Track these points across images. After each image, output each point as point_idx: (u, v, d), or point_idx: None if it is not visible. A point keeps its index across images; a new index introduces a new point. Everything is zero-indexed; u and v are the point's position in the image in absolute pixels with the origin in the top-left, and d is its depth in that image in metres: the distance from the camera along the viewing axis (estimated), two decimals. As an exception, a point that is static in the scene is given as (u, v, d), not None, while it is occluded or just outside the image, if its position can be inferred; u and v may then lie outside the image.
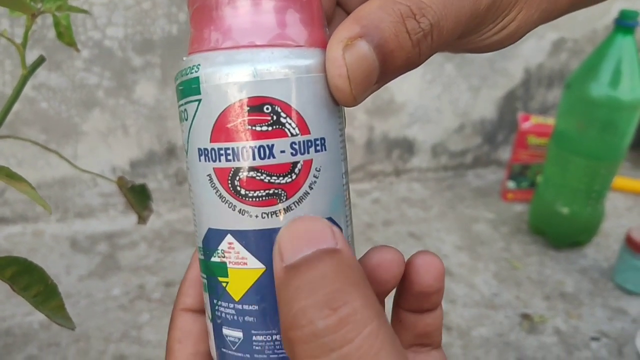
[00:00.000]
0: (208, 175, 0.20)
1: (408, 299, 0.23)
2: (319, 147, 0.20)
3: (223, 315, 0.21)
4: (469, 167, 1.13)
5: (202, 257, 0.22)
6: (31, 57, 0.34)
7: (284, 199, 0.20)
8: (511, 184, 1.00)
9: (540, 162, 0.94)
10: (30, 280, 0.30)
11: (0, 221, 0.86)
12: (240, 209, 0.20)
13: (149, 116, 0.85)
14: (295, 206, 0.20)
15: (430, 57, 0.21)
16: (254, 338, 0.20)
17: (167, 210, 0.92)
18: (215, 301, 0.21)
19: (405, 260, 0.23)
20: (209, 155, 0.20)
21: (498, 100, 1.07)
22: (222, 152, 0.19)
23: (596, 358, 0.65)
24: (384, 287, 0.22)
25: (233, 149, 0.19)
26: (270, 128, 0.19)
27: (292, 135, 0.19)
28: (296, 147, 0.19)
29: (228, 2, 0.20)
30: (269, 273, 0.20)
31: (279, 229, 0.20)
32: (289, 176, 0.19)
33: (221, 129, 0.19)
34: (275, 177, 0.19)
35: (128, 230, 0.87)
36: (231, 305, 0.21)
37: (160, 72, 0.83)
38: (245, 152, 0.19)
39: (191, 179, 0.21)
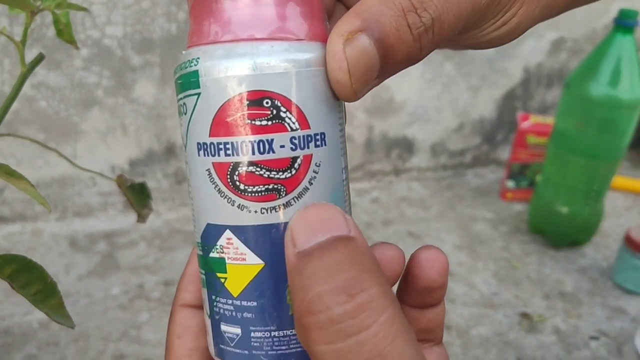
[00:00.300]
0: (207, 170, 0.20)
1: (412, 295, 0.23)
2: (319, 142, 0.20)
3: (221, 311, 0.21)
4: (468, 166, 1.13)
5: (201, 253, 0.21)
6: (30, 55, 0.34)
7: (283, 194, 0.19)
8: (510, 184, 1.00)
9: (539, 161, 0.94)
10: (30, 278, 0.30)
11: (-1, 220, 0.86)
12: (240, 204, 0.20)
13: (148, 115, 0.85)
14: (295, 201, 0.20)
15: (430, 56, 0.21)
16: (252, 334, 0.20)
17: (166, 210, 0.92)
18: (213, 297, 0.21)
19: (405, 258, 0.23)
20: (208, 149, 0.20)
21: (497, 100, 1.07)
22: (222, 146, 0.19)
23: (595, 357, 0.65)
24: None
25: (232, 143, 0.19)
26: (269, 122, 0.19)
27: (292, 129, 0.19)
28: (296, 141, 0.19)
29: None
30: (268, 269, 0.20)
31: (278, 224, 0.19)
32: (289, 171, 0.19)
33: (220, 123, 0.19)
34: (274, 172, 0.19)
35: (127, 230, 0.87)
36: (230, 302, 0.21)
37: (159, 71, 0.82)
38: (244, 146, 0.19)
39: (190, 174, 0.21)
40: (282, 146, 0.19)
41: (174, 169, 0.91)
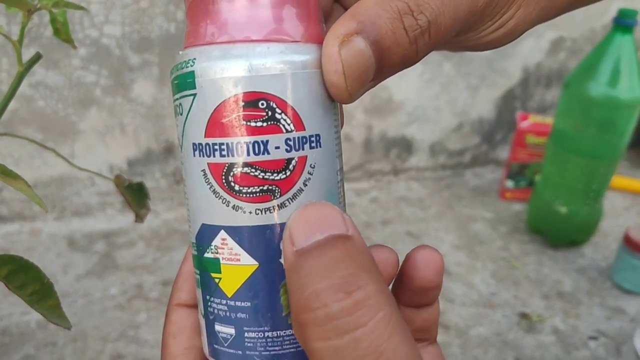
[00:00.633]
0: (202, 170, 0.20)
1: (407, 294, 0.23)
2: (314, 144, 0.20)
3: (215, 311, 0.21)
4: (467, 166, 1.13)
5: (196, 253, 0.22)
6: (28, 55, 0.34)
7: (278, 195, 0.20)
8: (509, 183, 1.00)
9: (538, 161, 0.94)
10: (26, 278, 0.30)
11: (-3, 220, 0.85)
12: (234, 205, 0.20)
13: (147, 115, 0.85)
14: (290, 203, 0.20)
15: (429, 56, 0.20)
16: (246, 335, 0.20)
17: (164, 209, 0.92)
18: (207, 297, 0.21)
19: (399, 259, 0.23)
20: (203, 150, 0.20)
21: (496, 100, 1.07)
22: (217, 147, 0.19)
23: (594, 357, 0.65)
24: None
25: (227, 144, 0.19)
26: (265, 124, 0.19)
27: (287, 131, 0.19)
28: (291, 143, 0.19)
29: None
30: (262, 269, 0.20)
31: (273, 225, 0.20)
32: (284, 172, 0.19)
33: (216, 124, 0.19)
34: (269, 173, 0.19)
35: (125, 229, 0.87)
36: (224, 302, 0.21)
37: (157, 70, 0.82)
38: (239, 147, 0.19)
39: (185, 174, 0.21)
40: (277, 147, 0.19)
41: (172, 169, 0.91)
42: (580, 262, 0.83)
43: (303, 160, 0.20)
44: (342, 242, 0.17)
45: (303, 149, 0.20)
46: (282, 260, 0.20)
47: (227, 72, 0.19)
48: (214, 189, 0.20)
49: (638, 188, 1.05)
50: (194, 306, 0.24)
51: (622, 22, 0.72)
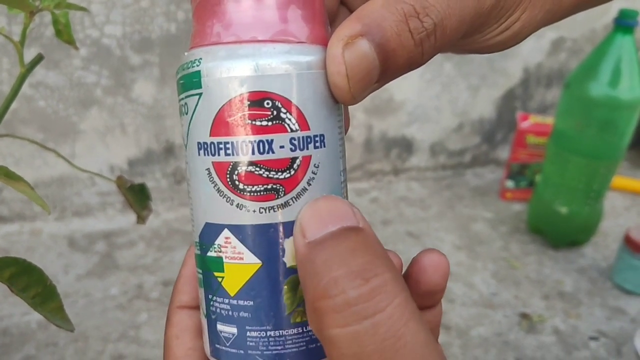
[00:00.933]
0: (207, 169, 0.20)
1: (412, 298, 0.23)
2: (318, 144, 0.20)
3: (218, 310, 0.21)
4: (468, 166, 1.13)
5: (199, 252, 0.22)
6: (29, 55, 0.34)
7: (282, 195, 0.20)
8: (510, 184, 1.00)
9: (539, 161, 0.94)
10: (29, 281, 0.30)
11: (-3, 220, 0.85)
12: (238, 204, 0.20)
13: (147, 115, 0.85)
14: (293, 202, 0.20)
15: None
16: (248, 334, 0.20)
17: (165, 210, 0.92)
18: (210, 296, 0.21)
19: (401, 258, 0.23)
20: (208, 149, 0.20)
21: (497, 100, 1.07)
22: (222, 146, 0.20)
23: (595, 358, 0.65)
24: None
25: (232, 143, 0.19)
26: (270, 123, 0.19)
27: (292, 130, 0.19)
28: (295, 142, 0.20)
29: None
30: (265, 268, 0.20)
31: (276, 224, 0.20)
32: (288, 172, 0.20)
33: (221, 123, 0.19)
34: (273, 172, 0.19)
35: (126, 230, 0.87)
36: (226, 301, 0.21)
37: (158, 70, 0.82)
38: (244, 146, 0.19)
39: (190, 173, 0.21)
40: (281, 147, 0.19)
41: (172, 169, 0.91)
42: (580, 262, 0.84)
43: (307, 159, 0.20)
44: (355, 233, 0.18)
45: (307, 149, 0.20)
46: (285, 260, 0.20)
47: (233, 72, 0.19)
48: (218, 188, 0.20)
49: (638, 188, 1.05)
50: (196, 308, 0.24)
51: (623, 23, 0.72)
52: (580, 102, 0.76)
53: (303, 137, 0.20)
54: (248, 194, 0.20)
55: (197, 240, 0.21)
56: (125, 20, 0.77)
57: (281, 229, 0.20)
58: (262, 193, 0.20)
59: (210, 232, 0.21)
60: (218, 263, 0.21)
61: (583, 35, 1.05)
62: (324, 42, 0.20)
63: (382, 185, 1.06)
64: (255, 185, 0.19)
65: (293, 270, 0.20)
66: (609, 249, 0.86)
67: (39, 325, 0.66)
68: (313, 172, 0.20)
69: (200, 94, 0.20)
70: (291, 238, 0.20)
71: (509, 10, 0.21)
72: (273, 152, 0.19)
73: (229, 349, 0.21)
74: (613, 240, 0.89)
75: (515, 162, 0.98)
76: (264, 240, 0.20)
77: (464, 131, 1.09)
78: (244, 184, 0.20)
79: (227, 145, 0.19)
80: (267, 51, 0.19)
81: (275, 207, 0.20)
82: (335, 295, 0.17)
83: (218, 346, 0.21)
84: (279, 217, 0.20)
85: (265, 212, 0.20)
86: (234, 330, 0.21)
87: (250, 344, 0.20)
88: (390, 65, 0.19)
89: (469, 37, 0.22)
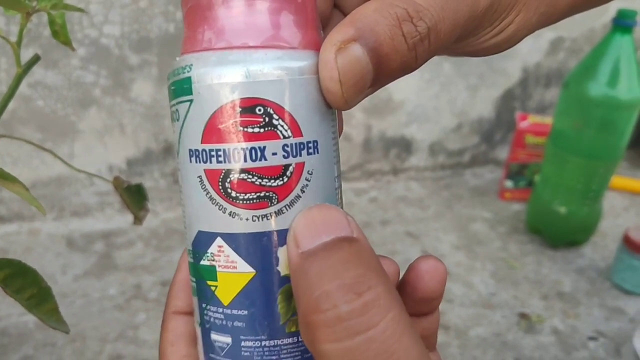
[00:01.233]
0: (199, 176, 0.20)
1: (409, 304, 0.23)
2: (311, 150, 0.20)
3: (212, 320, 0.21)
4: (467, 166, 1.13)
5: (192, 260, 0.21)
6: (27, 55, 0.34)
7: (275, 202, 0.19)
8: (509, 183, 1.00)
9: (537, 161, 0.94)
10: (24, 282, 0.30)
11: (-4, 220, 0.85)
12: (231, 212, 0.19)
13: (146, 115, 0.85)
14: (287, 209, 0.19)
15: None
16: (242, 344, 0.20)
17: (163, 209, 0.92)
18: (204, 305, 0.21)
19: (398, 260, 0.23)
20: (200, 156, 0.20)
21: (496, 100, 1.07)
22: (213, 153, 0.19)
23: (594, 358, 0.65)
24: None
25: (224, 150, 0.19)
26: (262, 130, 0.19)
27: (284, 137, 0.19)
28: (288, 149, 0.19)
29: (222, 3, 0.19)
30: (258, 277, 0.20)
31: (270, 232, 0.19)
32: (281, 179, 0.19)
33: (212, 130, 0.19)
34: (266, 180, 0.19)
35: (124, 229, 0.87)
36: (220, 310, 0.20)
37: (157, 70, 0.82)
38: (236, 153, 0.19)
39: (182, 181, 0.21)
40: (274, 154, 0.19)
41: (171, 169, 0.91)
42: (579, 262, 0.83)
43: (300, 166, 0.19)
44: (349, 243, 0.17)
45: (300, 155, 0.19)
46: (279, 268, 0.20)
47: (224, 78, 0.19)
48: (211, 196, 0.20)
49: (637, 188, 1.05)
50: (191, 314, 0.24)
51: (622, 23, 0.72)
52: (579, 102, 0.76)
53: (296, 143, 0.19)
54: (241, 201, 0.19)
55: (190, 248, 0.21)
56: (123, 20, 0.77)
57: (275, 237, 0.20)
58: (255, 201, 0.19)
59: (203, 241, 0.20)
60: (211, 272, 0.20)
61: (582, 35, 1.05)
62: (316, 47, 0.20)
63: (381, 185, 1.06)
64: (248, 193, 0.19)
65: (287, 279, 0.20)
66: (608, 249, 0.86)
67: (37, 325, 0.66)
68: (307, 179, 0.20)
69: (191, 101, 0.20)
70: (285, 247, 0.19)
71: (503, 13, 0.21)
72: (265, 159, 0.19)
73: (223, 359, 0.21)
74: (612, 240, 0.88)
75: (514, 162, 0.98)
76: (257, 248, 0.20)
77: (462, 131, 1.08)
78: (237, 192, 0.19)
79: (219, 153, 0.19)
80: (259, 57, 0.19)
81: (269, 215, 0.19)
82: (327, 309, 0.16)
83: (212, 356, 0.21)
84: (273, 225, 0.19)
85: (259, 220, 0.19)
86: (228, 340, 0.20)
87: (245, 354, 0.20)
88: (383, 69, 0.19)
89: (463, 40, 0.21)
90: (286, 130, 0.19)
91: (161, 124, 0.87)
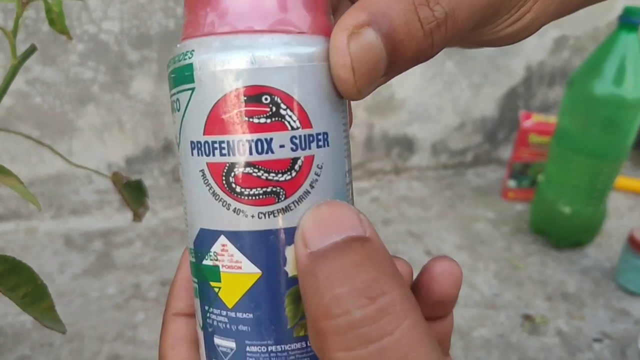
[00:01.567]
0: (201, 170, 0.19)
1: (422, 308, 0.22)
2: (321, 143, 0.18)
3: (215, 323, 0.20)
4: (469, 165, 1.12)
5: (193, 260, 0.20)
6: (25, 49, 0.33)
7: (282, 198, 0.18)
8: (512, 183, 0.99)
9: (541, 160, 0.94)
10: (19, 280, 0.29)
11: (-7, 218, 0.84)
12: (235, 208, 0.18)
13: (145, 112, 0.84)
14: (295, 206, 0.18)
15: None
16: (247, 349, 0.19)
17: (163, 208, 0.91)
18: (206, 308, 0.20)
19: (402, 257, 0.22)
20: (202, 148, 0.18)
21: (499, 98, 1.06)
22: (217, 145, 0.18)
23: (599, 360, 0.64)
24: None
25: (228, 142, 0.18)
26: (269, 120, 0.18)
27: (293, 128, 0.18)
28: (297, 141, 0.18)
29: None
30: (265, 278, 0.18)
31: (277, 230, 0.18)
32: (289, 173, 0.18)
33: (215, 121, 0.18)
34: (273, 174, 0.18)
35: (123, 228, 0.86)
36: (224, 313, 0.19)
37: (156, 67, 0.81)
38: (241, 146, 0.18)
39: (183, 175, 0.20)
40: (281, 146, 0.18)
41: (171, 167, 0.90)
42: (584, 262, 0.83)
43: (310, 160, 0.18)
44: (361, 243, 0.16)
45: (310, 148, 0.18)
46: (286, 269, 0.19)
47: (228, 65, 0.18)
48: (214, 191, 0.18)
49: (641, 188, 1.04)
50: (193, 315, 0.23)
51: (628, 20, 0.71)
52: (583, 100, 0.76)
53: (305, 135, 0.18)
54: (246, 197, 0.18)
55: (192, 247, 0.20)
56: (123, 15, 0.76)
57: (282, 235, 0.18)
58: (261, 196, 0.18)
59: (205, 239, 0.19)
60: (214, 272, 0.19)
61: (586, 33, 1.04)
62: (326, 33, 0.19)
63: (383, 185, 1.05)
64: (254, 188, 0.18)
65: (295, 280, 0.18)
66: (613, 249, 0.85)
67: (34, 325, 0.65)
68: (316, 174, 0.18)
69: (192, 89, 0.18)
70: (293, 246, 0.18)
71: (521, 0, 0.20)
72: (272, 152, 0.18)
73: None
74: (617, 240, 0.88)
75: (517, 162, 0.97)
76: (263, 247, 0.18)
77: (465, 130, 1.08)
78: (242, 187, 0.18)
79: (223, 145, 0.18)
80: (265, 42, 0.18)
81: (276, 211, 0.18)
82: (338, 315, 0.15)
83: None
84: (280, 222, 0.18)
85: (265, 217, 0.18)
86: (233, 344, 0.19)
87: (250, 359, 0.19)
88: (397, 57, 0.18)
89: (479, 29, 0.20)
90: (294, 121, 0.18)
91: (161, 122, 0.86)
